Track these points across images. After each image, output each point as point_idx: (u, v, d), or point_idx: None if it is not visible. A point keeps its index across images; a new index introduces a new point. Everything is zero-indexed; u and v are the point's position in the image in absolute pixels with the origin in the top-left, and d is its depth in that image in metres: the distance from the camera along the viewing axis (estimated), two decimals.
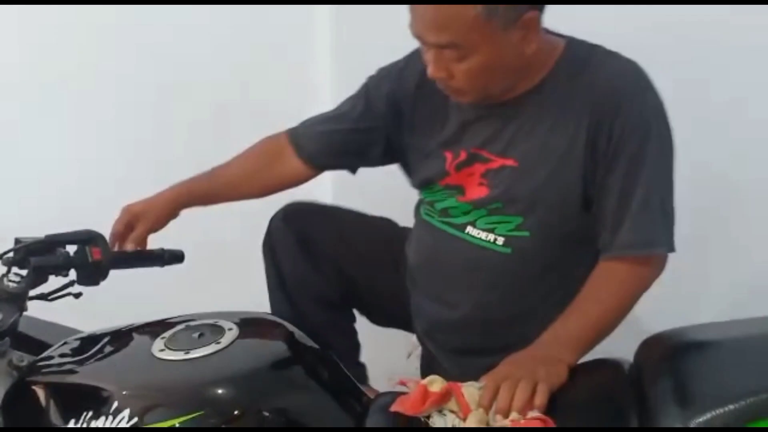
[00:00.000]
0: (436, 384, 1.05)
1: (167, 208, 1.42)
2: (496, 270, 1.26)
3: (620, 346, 1.12)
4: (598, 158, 1.17)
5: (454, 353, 1.33)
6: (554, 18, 1.24)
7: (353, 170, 1.48)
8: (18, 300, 1.22)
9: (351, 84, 1.44)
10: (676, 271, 1.22)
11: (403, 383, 1.09)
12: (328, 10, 2.04)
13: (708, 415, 0.88)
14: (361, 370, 1.45)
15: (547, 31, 1.21)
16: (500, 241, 1.25)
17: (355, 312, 1.51)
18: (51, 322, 1.34)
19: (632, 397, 0.97)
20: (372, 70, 1.42)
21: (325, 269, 1.41)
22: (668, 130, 1.20)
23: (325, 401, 1.09)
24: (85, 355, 1.16)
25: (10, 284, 1.22)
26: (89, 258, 1.31)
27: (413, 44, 1.23)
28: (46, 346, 1.24)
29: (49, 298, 1.27)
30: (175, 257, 1.43)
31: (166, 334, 1.13)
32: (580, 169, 1.18)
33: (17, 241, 1.27)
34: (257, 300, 1.47)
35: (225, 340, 1.09)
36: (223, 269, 1.96)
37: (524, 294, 1.27)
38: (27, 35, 1.89)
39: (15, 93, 1.89)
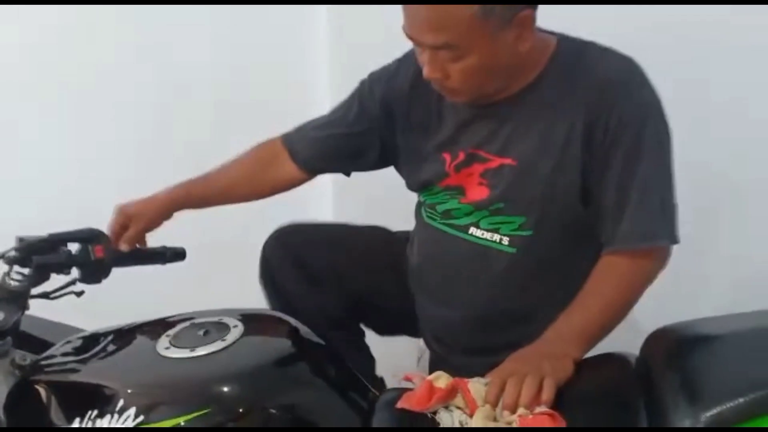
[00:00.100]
0: (441, 380, 1.03)
1: (161, 210, 1.40)
2: (502, 269, 1.25)
3: (618, 345, 1.11)
4: (595, 153, 1.16)
5: (463, 354, 1.31)
6: (554, 18, 1.23)
7: (347, 174, 1.47)
8: (20, 299, 1.20)
9: (350, 84, 1.43)
10: (675, 270, 1.21)
11: (408, 379, 1.08)
12: (327, 10, 2.03)
13: (718, 409, 0.87)
14: (378, 383, 1.43)
15: (539, 29, 1.20)
16: (505, 240, 1.23)
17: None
18: (53, 320, 1.32)
19: (640, 390, 0.96)
20: (371, 71, 1.40)
21: (326, 288, 1.39)
22: (665, 124, 1.18)
23: (331, 397, 1.07)
24: (88, 354, 1.14)
25: (12, 283, 1.20)
26: (91, 256, 1.30)
27: (412, 45, 1.21)
28: (48, 345, 1.22)
29: (52, 296, 1.26)
30: (176, 255, 1.42)
31: (171, 332, 1.11)
32: (578, 164, 1.17)
33: (19, 239, 1.26)
34: (259, 297, 1.46)
35: (230, 338, 1.08)
36: (224, 267, 1.95)
37: (531, 292, 1.26)
38: (27, 35, 1.87)
39: (15, 93, 1.87)
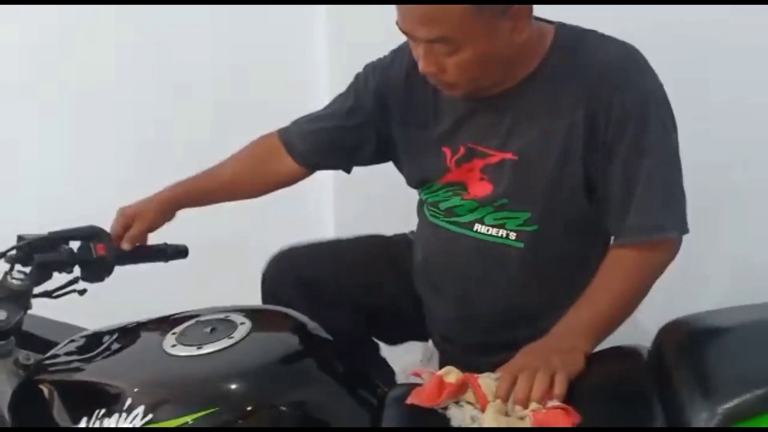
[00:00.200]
0: (451, 375, 1.01)
1: (162, 209, 1.37)
2: (510, 265, 1.22)
3: (618, 341, 1.09)
4: (598, 144, 1.13)
5: (472, 352, 1.28)
6: (554, 18, 1.21)
7: (347, 170, 1.43)
8: (22, 298, 1.17)
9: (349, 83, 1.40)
10: (675, 270, 1.18)
11: (417, 374, 1.05)
12: (327, 10, 2.01)
13: (735, 401, 0.85)
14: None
15: (536, 18, 1.16)
16: (513, 236, 1.21)
17: None
18: (55, 320, 1.29)
19: (653, 383, 0.93)
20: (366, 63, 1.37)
21: (332, 305, 1.34)
22: (669, 111, 1.15)
23: (340, 394, 1.04)
24: (93, 353, 1.11)
25: (14, 282, 1.17)
26: (93, 254, 1.27)
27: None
28: (51, 344, 1.19)
29: (54, 295, 1.23)
30: (178, 252, 1.39)
31: (177, 330, 1.08)
32: (580, 156, 1.14)
33: (20, 238, 1.23)
34: (260, 296, 1.43)
35: (238, 335, 1.05)
36: (225, 265, 1.92)
37: (540, 288, 1.23)
38: (27, 35, 1.84)
39: (15, 93, 1.84)
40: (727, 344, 0.96)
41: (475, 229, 1.24)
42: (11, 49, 1.84)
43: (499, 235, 1.22)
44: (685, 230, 1.16)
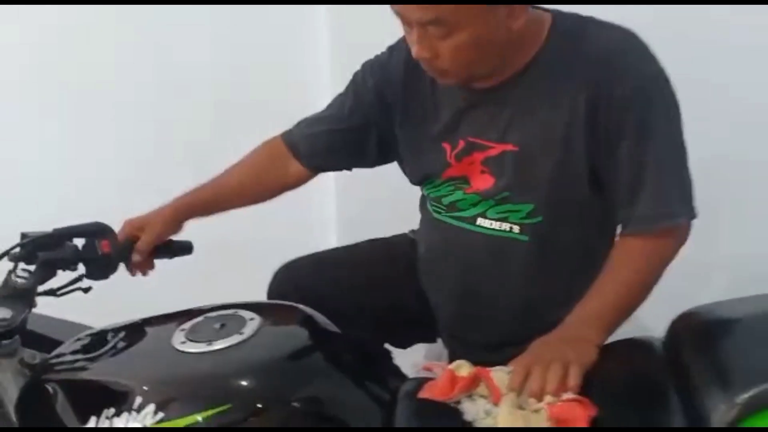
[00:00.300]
0: (463, 369, 0.98)
1: (168, 221, 1.31)
2: (514, 258, 1.18)
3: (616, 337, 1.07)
4: (600, 132, 1.09)
5: (481, 349, 1.23)
6: None
7: (349, 168, 1.40)
8: (27, 296, 1.13)
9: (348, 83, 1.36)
10: (675, 270, 1.14)
11: (428, 369, 1.02)
12: (327, 10, 1.98)
13: (753, 391, 0.82)
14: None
15: (533, 6, 1.13)
16: (516, 229, 1.17)
17: None
18: (60, 318, 1.25)
19: (669, 374, 0.91)
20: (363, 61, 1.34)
21: (339, 314, 1.27)
22: (672, 95, 1.11)
23: (352, 389, 1.01)
24: (100, 351, 1.07)
25: (18, 280, 1.13)
26: (98, 251, 1.22)
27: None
28: (56, 343, 1.14)
29: (58, 293, 1.19)
30: (183, 248, 1.34)
31: (186, 326, 1.04)
32: (582, 145, 1.10)
33: (24, 235, 1.18)
34: (263, 293, 1.38)
35: (248, 330, 1.01)
36: (228, 264, 1.89)
37: (548, 281, 1.19)
38: (27, 35, 1.81)
39: (15, 93, 1.82)
40: (743, 334, 0.94)
41: (478, 223, 1.20)
42: (11, 49, 1.80)
43: (503, 228, 1.18)
44: (694, 215, 1.12)
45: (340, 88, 1.38)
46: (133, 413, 0.91)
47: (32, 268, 1.15)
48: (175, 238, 1.36)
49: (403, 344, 1.39)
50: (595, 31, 1.13)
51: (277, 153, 1.38)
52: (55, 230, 1.20)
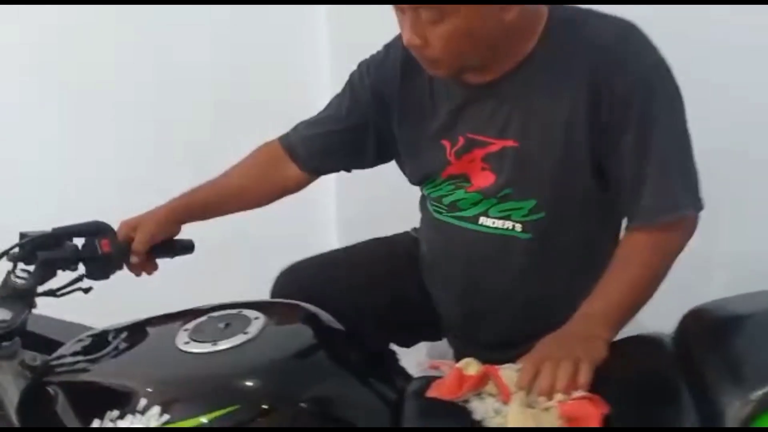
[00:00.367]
0: (471, 367, 0.94)
1: (161, 220, 1.26)
2: (519, 257, 1.15)
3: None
4: (603, 125, 1.06)
5: (488, 348, 1.19)
6: None
7: (348, 170, 1.36)
8: (26, 297, 1.09)
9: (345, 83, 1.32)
10: (675, 269, 1.11)
11: (435, 367, 0.99)
12: (327, 10, 1.95)
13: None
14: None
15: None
16: (519, 227, 1.13)
17: None
18: (60, 319, 1.21)
19: (680, 370, 0.88)
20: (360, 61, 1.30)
21: (342, 316, 1.23)
22: (674, 85, 1.08)
23: (360, 388, 0.97)
24: (102, 352, 1.03)
25: (18, 281, 1.09)
26: (98, 250, 1.18)
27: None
28: (56, 344, 1.10)
29: (58, 293, 1.14)
30: (185, 247, 1.29)
31: (189, 326, 1.00)
32: (584, 138, 1.07)
33: (23, 235, 1.14)
34: (265, 293, 1.34)
35: (253, 330, 0.97)
36: (229, 264, 1.86)
37: (552, 278, 1.16)
38: (27, 35, 1.77)
39: (15, 93, 1.79)
40: (755, 330, 0.91)
41: (480, 222, 1.17)
42: (11, 49, 1.77)
43: (505, 227, 1.15)
44: (701, 206, 1.09)
45: (340, 88, 1.34)
46: (138, 415, 0.87)
47: (32, 268, 1.11)
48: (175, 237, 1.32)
49: (408, 343, 1.36)
50: (594, 23, 1.09)
51: (275, 157, 1.33)
52: (55, 230, 1.16)
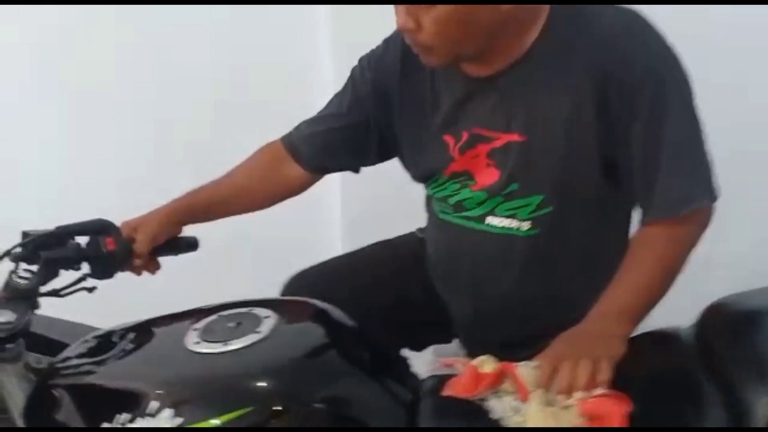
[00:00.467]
0: (487, 364, 0.90)
1: (163, 223, 1.20)
2: (526, 253, 1.10)
3: None
4: (612, 118, 1.01)
5: (501, 347, 1.13)
6: None
7: (355, 169, 1.30)
8: (29, 297, 1.02)
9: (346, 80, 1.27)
10: None
11: (449, 365, 0.93)
12: (328, 10, 1.90)
13: None
14: None
15: None
16: (525, 225, 1.09)
17: None
18: (64, 319, 1.15)
19: (702, 365, 0.84)
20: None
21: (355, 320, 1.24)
22: (683, 73, 1.03)
23: (374, 387, 0.92)
24: (110, 354, 0.97)
25: (20, 281, 1.02)
26: (103, 249, 1.12)
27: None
28: (61, 345, 1.04)
29: (62, 293, 1.08)
30: (189, 245, 1.23)
31: (199, 326, 0.94)
32: (592, 131, 1.02)
33: (25, 234, 1.07)
34: (269, 292, 1.30)
35: (264, 329, 0.91)
36: (231, 264, 1.79)
37: (560, 274, 1.12)
38: (27, 35, 1.72)
39: (15, 93, 1.73)
40: None
41: (487, 222, 1.12)
42: (11, 49, 1.71)
43: (512, 226, 1.10)
44: (715, 197, 1.03)
45: (341, 87, 1.29)
46: (148, 418, 0.81)
47: (34, 268, 1.04)
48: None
49: (419, 346, 1.31)
50: (596, 14, 1.04)
51: (277, 157, 1.27)
52: (58, 228, 1.10)
